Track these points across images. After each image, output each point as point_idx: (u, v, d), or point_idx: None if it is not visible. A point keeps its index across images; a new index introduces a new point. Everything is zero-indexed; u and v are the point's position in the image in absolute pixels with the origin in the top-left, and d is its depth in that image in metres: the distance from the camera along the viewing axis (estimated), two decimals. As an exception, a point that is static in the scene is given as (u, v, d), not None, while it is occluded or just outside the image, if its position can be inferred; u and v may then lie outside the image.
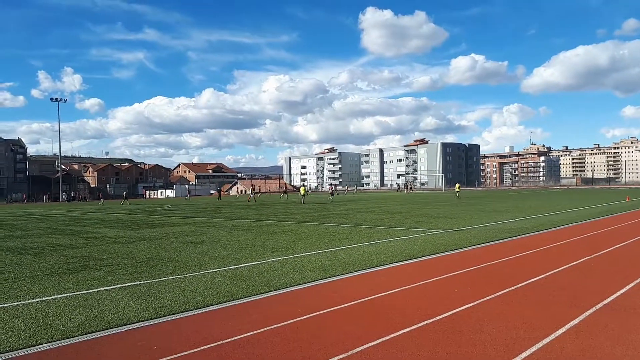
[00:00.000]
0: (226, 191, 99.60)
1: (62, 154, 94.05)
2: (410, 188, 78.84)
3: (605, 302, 6.25)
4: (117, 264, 10.21)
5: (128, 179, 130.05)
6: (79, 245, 13.86)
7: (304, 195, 41.06)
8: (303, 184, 61.26)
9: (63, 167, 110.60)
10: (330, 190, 51.37)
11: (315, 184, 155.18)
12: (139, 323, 5.86)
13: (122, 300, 6.96)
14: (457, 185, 51.96)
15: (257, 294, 7.16)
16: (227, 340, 5.16)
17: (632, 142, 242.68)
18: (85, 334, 5.46)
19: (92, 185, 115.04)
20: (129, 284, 8.10)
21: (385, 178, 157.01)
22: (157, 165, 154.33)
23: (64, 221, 25.07)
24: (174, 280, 8.33)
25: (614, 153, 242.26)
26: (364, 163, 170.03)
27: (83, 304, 6.79)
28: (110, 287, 7.83)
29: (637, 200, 30.34)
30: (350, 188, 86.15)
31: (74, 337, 5.38)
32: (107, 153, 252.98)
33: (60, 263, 10.43)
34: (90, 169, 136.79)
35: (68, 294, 7.40)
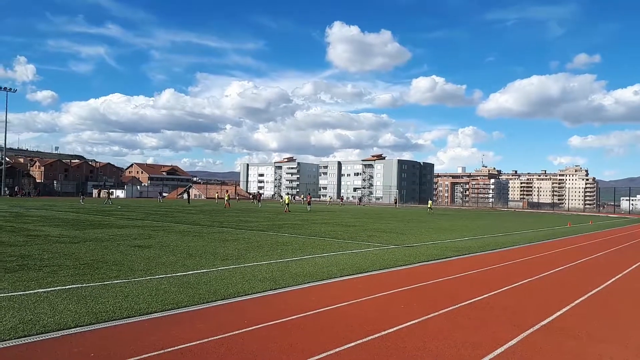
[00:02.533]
0: (179, 195, 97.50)
1: (7, 146, 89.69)
2: (359, 202, 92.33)
3: (543, 323, 6.51)
4: (58, 265, 9.80)
5: (78, 176, 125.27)
6: (18, 243, 13.22)
7: (288, 204, 40.71)
8: (288, 193, 62.07)
9: (7, 159, 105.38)
10: (308, 200, 51.34)
11: (272, 193, 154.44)
12: (77, 328, 5.63)
13: (61, 303, 6.67)
14: (430, 202, 63.13)
15: (203, 303, 7.03)
16: (169, 349, 5.03)
17: (575, 171, 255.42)
18: (18, 338, 5.19)
19: (37, 181, 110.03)
20: (70, 286, 7.78)
21: (342, 191, 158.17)
22: (109, 163, 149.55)
23: (3, 217, 23.87)
24: (117, 284, 8.06)
25: (559, 180, 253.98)
26: (322, 175, 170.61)
27: (18, 305, 6.46)
28: (49, 289, 7.50)
29: (577, 227, 31.88)
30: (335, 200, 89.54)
31: (5, 341, 5.10)
32: (56, 148, 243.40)
33: (-4, 261, 9.90)
34: (38, 164, 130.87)
35: (2, 295, 7.04)
